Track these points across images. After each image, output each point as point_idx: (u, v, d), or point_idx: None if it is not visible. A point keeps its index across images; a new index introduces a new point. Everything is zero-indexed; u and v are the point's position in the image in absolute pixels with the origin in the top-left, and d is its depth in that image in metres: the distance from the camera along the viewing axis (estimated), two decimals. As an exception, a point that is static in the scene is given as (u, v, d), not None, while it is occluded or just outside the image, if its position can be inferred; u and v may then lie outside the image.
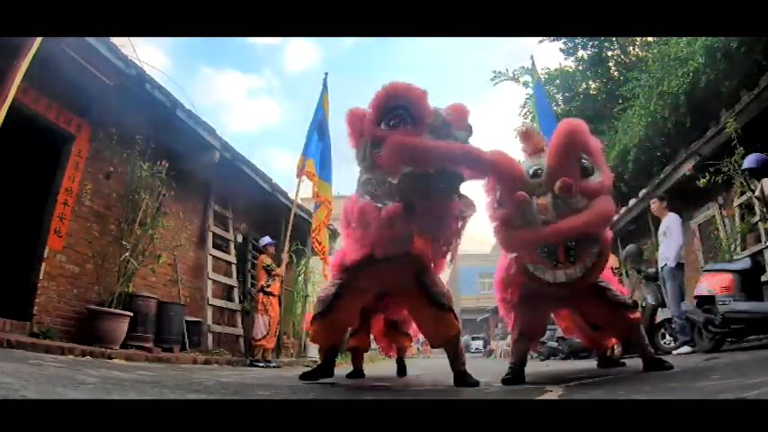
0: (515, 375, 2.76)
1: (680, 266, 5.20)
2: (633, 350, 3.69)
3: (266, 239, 6.82)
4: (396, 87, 2.50)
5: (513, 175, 2.53)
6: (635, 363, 4.12)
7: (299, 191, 6.71)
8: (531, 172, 2.57)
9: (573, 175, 2.42)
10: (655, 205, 5.75)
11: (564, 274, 2.45)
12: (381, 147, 2.40)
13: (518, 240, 2.60)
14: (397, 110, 2.45)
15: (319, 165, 6.65)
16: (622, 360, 3.89)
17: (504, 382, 2.72)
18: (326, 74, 7.02)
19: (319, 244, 6.95)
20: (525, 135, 2.79)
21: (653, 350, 3.43)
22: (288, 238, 6.49)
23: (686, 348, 4.79)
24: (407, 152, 2.33)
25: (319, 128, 6.71)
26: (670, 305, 5.12)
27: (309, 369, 3.48)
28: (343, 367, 4.70)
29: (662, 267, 5.33)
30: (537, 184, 2.51)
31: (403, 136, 2.35)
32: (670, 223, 5.33)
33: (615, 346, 5.55)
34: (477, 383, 2.69)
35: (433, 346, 3.32)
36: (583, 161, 2.52)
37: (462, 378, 2.73)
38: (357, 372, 3.80)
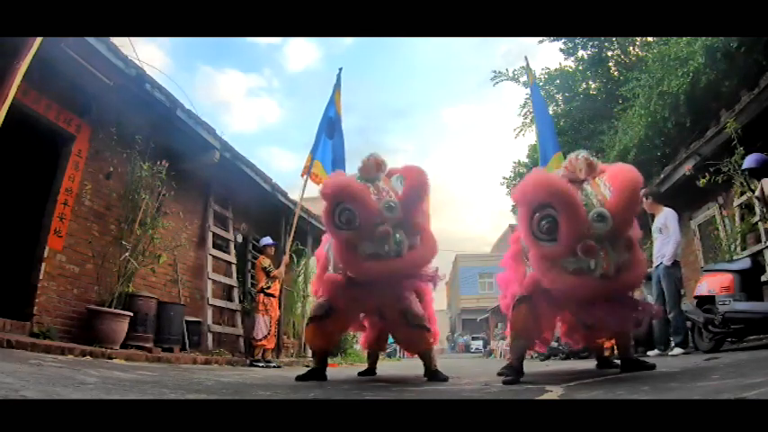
0: (515, 375, 2.74)
1: (676, 264, 5.05)
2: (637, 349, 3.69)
3: (267, 240, 6.81)
4: (339, 188, 2.87)
5: (578, 217, 2.29)
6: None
7: (304, 190, 6.44)
8: (595, 216, 2.33)
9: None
10: (646, 202, 5.62)
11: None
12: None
13: (573, 286, 2.40)
14: (344, 207, 2.80)
15: (332, 163, 6.49)
16: (616, 361, 3.86)
17: (505, 383, 2.69)
18: (341, 69, 6.76)
19: None
20: (591, 166, 2.54)
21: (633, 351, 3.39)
22: (291, 238, 6.47)
23: (678, 350, 4.76)
24: (346, 269, 2.90)
25: (330, 126, 6.56)
26: (667, 305, 5.02)
27: (308, 369, 3.60)
28: (342, 368, 4.70)
29: (656, 266, 5.16)
30: (599, 229, 2.33)
31: (344, 251, 2.85)
32: (667, 219, 5.12)
33: (614, 346, 5.55)
34: (446, 378, 3.14)
35: (410, 353, 3.75)
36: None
37: (434, 374, 3.18)
38: (370, 371, 4.11)
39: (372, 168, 3.02)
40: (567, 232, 2.27)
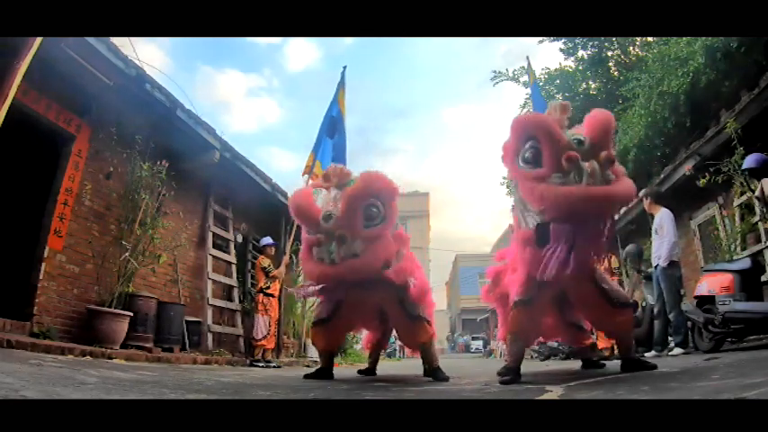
0: (513, 375, 2.74)
1: (673, 265, 5.04)
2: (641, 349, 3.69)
3: (267, 240, 6.81)
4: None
5: (559, 139, 2.48)
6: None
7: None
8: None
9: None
10: (646, 202, 5.63)
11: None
12: None
13: (564, 194, 2.45)
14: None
15: (331, 162, 6.43)
16: (602, 362, 3.86)
17: (503, 383, 2.69)
18: (345, 67, 6.64)
19: None
20: (564, 107, 2.77)
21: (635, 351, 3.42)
22: (291, 238, 6.47)
23: (678, 350, 4.77)
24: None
25: (332, 125, 6.50)
26: (666, 305, 5.03)
27: (310, 369, 3.71)
28: (342, 367, 4.71)
29: (655, 266, 5.17)
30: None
31: (304, 253, 3.11)
32: (662, 219, 5.13)
33: (614, 347, 5.55)
34: (447, 378, 3.20)
35: (411, 349, 3.88)
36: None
37: (435, 373, 3.26)
38: (370, 370, 4.21)
39: (331, 177, 3.23)
40: (549, 154, 2.44)
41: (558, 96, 13.44)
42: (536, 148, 2.50)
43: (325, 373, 3.53)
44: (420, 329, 3.32)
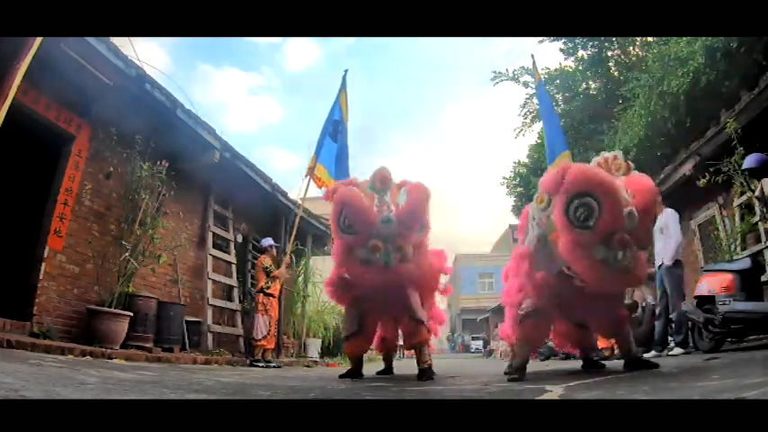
0: (520, 374, 2.88)
1: (678, 264, 5.08)
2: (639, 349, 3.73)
3: (269, 241, 6.81)
4: (344, 196, 3.19)
5: (618, 207, 2.49)
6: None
7: (307, 191, 6.36)
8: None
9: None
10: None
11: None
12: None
13: (598, 273, 2.57)
14: (347, 214, 3.14)
15: (335, 166, 6.42)
16: (602, 362, 3.90)
17: (510, 380, 2.84)
18: (346, 71, 6.71)
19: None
20: (628, 167, 2.93)
21: (637, 350, 3.47)
22: (292, 239, 6.47)
23: (679, 350, 4.78)
24: (343, 268, 3.42)
25: (335, 129, 6.43)
26: (669, 304, 5.06)
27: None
28: (342, 367, 4.72)
29: (659, 266, 5.22)
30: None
31: (342, 253, 3.28)
32: (668, 219, 5.15)
33: (614, 347, 5.56)
34: (432, 377, 3.43)
35: (406, 347, 4.15)
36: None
37: (424, 372, 3.47)
38: (387, 370, 4.44)
39: (377, 182, 3.35)
40: (606, 220, 2.41)
41: (558, 96, 13.44)
42: (590, 208, 2.45)
43: (357, 373, 3.85)
44: (415, 330, 3.59)
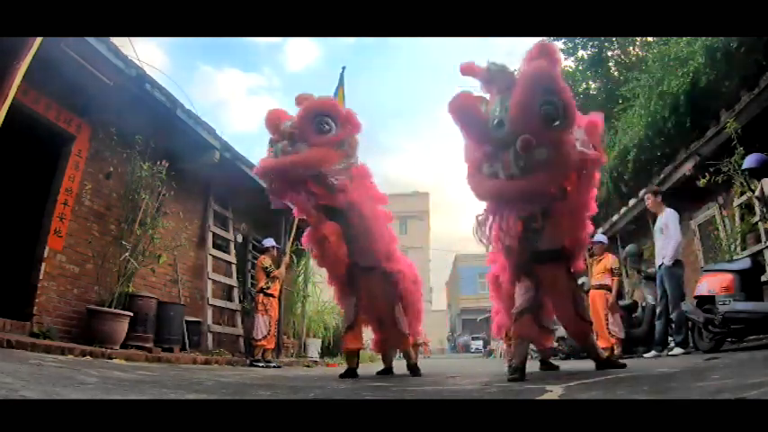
0: (520, 374, 2.89)
1: (678, 264, 5.10)
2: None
3: (270, 241, 6.81)
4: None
5: (479, 125, 2.48)
6: (635, 363, 4.12)
7: None
8: (495, 123, 2.45)
9: (534, 125, 2.34)
10: (650, 200, 5.62)
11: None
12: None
13: (485, 189, 2.55)
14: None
15: None
16: (622, 361, 3.91)
17: (511, 380, 2.84)
18: (344, 68, 6.68)
19: None
20: (493, 73, 2.61)
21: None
22: (292, 238, 6.47)
23: (679, 350, 4.78)
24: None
25: None
26: (670, 304, 5.06)
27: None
28: (342, 367, 4.73)
29: (659, 266, 5.23)
30: (501, 137, 2.42)
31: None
32: (668, 219, 5.19)
33: (615, 347, 5.56)
34: (419, 374, 3.79)
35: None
36: (545, 107, 2.38)
37: (414, 369, 3.87)
38: (387, 370, 4.41)
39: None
40: (473, 145, 2.56)
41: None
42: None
43: (354, 372, 3.89)
44: (398, 338, 3.94)
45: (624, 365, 3.23)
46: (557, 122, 2.41)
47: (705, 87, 6.99)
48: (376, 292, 3.81)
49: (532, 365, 3.70)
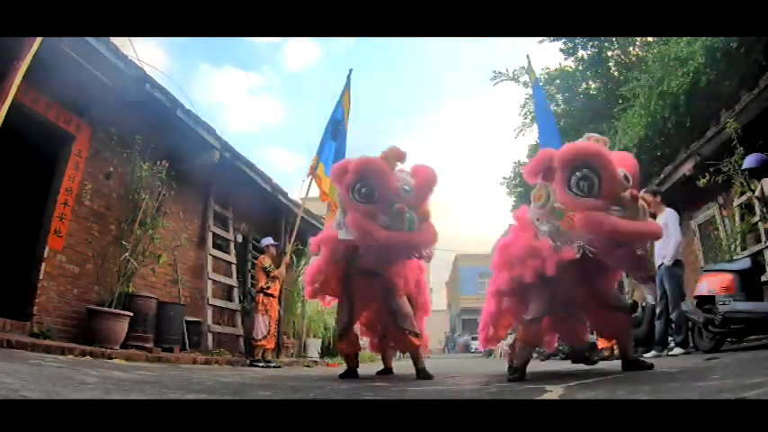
0: (521, 374, 2.90)
1: (678, 264, 5.08)
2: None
3: (268, 240, 6.81)
4: (364, 164, 3.07)
5: (616, 173, 2.59)
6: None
7: (309, 191, 6.23)
8: (623, 176, 2.75)
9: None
10: (651, 201, 5.63)
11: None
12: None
13: (610, 223, 2.58)
14: (365, 183, 3.03)
15: (331, 165, 6.38)
16: (595, 359, 3.97)
17: (511, 380, 2.86)
18: (351, 70, 6.71)
19: None
20: (605, 143, 2.93)
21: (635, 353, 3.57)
22: (293, 239, 6.46)
23: (679, 350, 4.78)
24: (363, 235, 3.03)
25: (335, 128, 6.39)
26: (670, 304, 5.05)
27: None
28: (342, 367, 4.73)
29: (659, 266, 5.20)
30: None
31: (362, 219, 3.02)
32: (667, 219, 5.13)
33: (614, 347, 5.55)
34: (431, 377, 3.46)
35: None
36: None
37: (421, 373, 3.54)
38: (387, 370, 4.37)
39: (393, 158, 3.28)
40: (609, 186, 2.52)
41: (558, 96, 13.44)
42: (590, 180, 2.54)
43: (354, 372, 3.85)
44: (406, 340, 3.59)
45: (651, 366, 3.10)
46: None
47: (705, 87, 7.00)
48: (374, 294, 3.63)
49: (532, 366, 3.70)
